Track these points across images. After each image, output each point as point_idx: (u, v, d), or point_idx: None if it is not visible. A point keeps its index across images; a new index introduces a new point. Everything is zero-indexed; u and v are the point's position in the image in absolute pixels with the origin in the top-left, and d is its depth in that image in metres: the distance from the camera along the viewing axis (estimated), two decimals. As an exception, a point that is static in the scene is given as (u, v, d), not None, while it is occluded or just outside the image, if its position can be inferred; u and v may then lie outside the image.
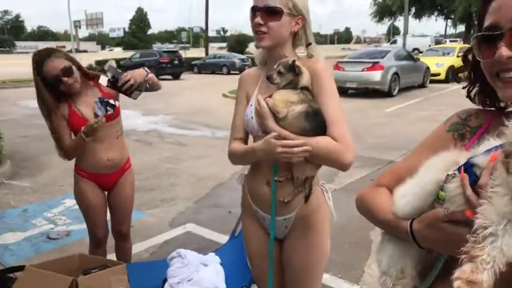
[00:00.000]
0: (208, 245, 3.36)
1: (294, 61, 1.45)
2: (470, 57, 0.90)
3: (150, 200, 4.62)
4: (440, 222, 0.78)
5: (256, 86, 1.63)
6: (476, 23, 0.87)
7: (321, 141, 1.41)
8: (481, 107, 0.95)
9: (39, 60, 2.28)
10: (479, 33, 0.81)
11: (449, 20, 41.12)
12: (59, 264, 2.28)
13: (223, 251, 2.69)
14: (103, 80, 2.44)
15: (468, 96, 0.95)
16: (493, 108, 0.93)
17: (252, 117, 1.56)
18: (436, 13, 39.29)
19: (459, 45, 19.51)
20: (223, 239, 3.39)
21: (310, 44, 1.60)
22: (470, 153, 0.79)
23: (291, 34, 1.55)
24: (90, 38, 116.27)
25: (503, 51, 0.75)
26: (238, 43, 41.90)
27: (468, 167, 0.75)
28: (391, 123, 8.83)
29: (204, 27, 37.50)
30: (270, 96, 1.48)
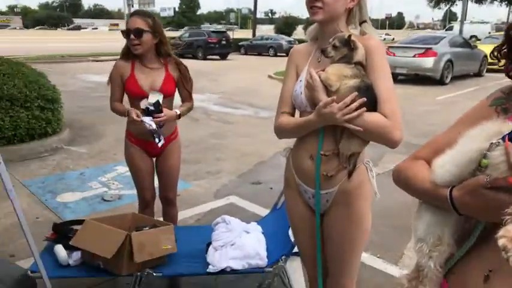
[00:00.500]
0: (250, 217, 3.49)
1: (349, 36, 1.47)
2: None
3: (196, 172, 4.82)
4: (482, 189, 0.79)
5: (307, 62, 1.65)
6: None
7: (371, 116, 1.44)
8: None
9: (132, 13, 2.49)
10: None
11: (512, 6, 38.26)
12: (114, 220, 2.47)
13: (265, 222, 2.79)
14: (143, 102, 2.48)
15: (506, 73, 0.95)
16: None
17: (301, 93, 1.58)
18: (499, -1, 36.67)
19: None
20: (263, 212, 3.51)
21: (364, 21, 1.61)
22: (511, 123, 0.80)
23: (346, 10, 1.56)
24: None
25: None
26: (286, 25, 41.47)
27: None
28: (441, 112, 8.51)
29: (252, 9, 37.32)
30: (323, 70, 1.50)
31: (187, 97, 2.70)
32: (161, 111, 2.44)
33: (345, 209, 1.61)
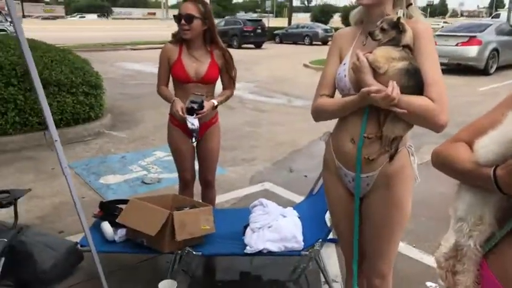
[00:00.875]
0: (285, 203, 3.52)
1: (399, 18, 1.46)
2: None
3: (232, 159, 4.91)
4: None
5: (351, 45, 1.65)
6: None
7: (418, 100, 1.43)
8: None
9: None
10: None
11: None
12: (157, 200, 2.59)
13: (301, 207, 2.83)
14: (187, 101, 2.55)
15: None
16: None
17: (345, 76, 1.58)
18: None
19: None
20: (297, 198, 3.55)
21: (411, 4, 1.60)
22: None
23: None
24: (178, 6, 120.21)
25: None
26: (322, 13, 40.72)
27: None
28: (484, 103, 8.17)
29: (288, -4, 36.89)
30: (370, 53, 1.50)
31: (229, 85, 2.75)
32: (203, 108, 2.52)
33: (386, 192, 1.61)
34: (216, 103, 2.66)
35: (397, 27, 1.46)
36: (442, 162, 1.06)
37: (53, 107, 5.27)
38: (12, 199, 2.47)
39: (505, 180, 0.86)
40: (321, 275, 2.61)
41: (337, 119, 1.70)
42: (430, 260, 2.83)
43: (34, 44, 5.91)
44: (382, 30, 1.48)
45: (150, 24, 62.16)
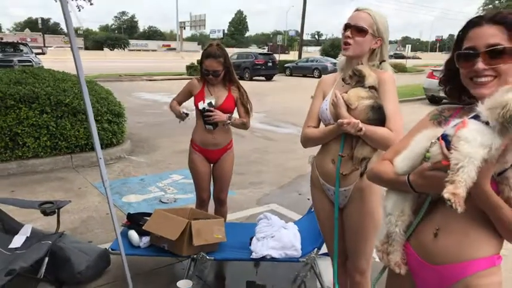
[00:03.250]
0: (289, 221, 3.93)
1: (357, 69, 1.94)
2: (446, 67, 1.35)
3: (240, 182, 5.33)
4: (427, 171, 1.22)
5: (332, 87, 2.11)
6: (454, 44, 1.30)
7: (380, 129, 1.87)
8: (451, 103, 1.40)
9: (208, 53, 3.02)
10: (462, 51, 1.24)
11: None
12: (177, 212, 3.03)
13: (301, 222, 3.24)
14: (200, 104, 3.11)
15: (444, 92, 1.39)
16: (459, 105, 1.36)
17: (327, 109, 2.04)
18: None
19: None
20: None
21: (384, 61, 2.06)
22: (443, 129, 1.23)
23: (370, 50, 2.02)
24: (192, 39, 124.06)
25: (480, 65, 1.19)
26: (332, 47, 41.84)
27: (444, 137, 1.19)
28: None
29: (299, 31, 38.19)
30: (346, 92, 1.97)
31: (245, 115, 3.24)
32: (212, 106, 3.06)
33: (360, 203, 2.03)
34: (231, 116, 3.14)
35: (359, 74, 1.93)
36: (375, 176, 1.48)
37: (81, 133, 5.83)
38: (56, 208, 2.92)
39: (415, 183, 1.27)
40: (317, 282, 2.97)
41: (321, 145, 2.13)
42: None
43: (64, 76, 6.56)
44: (350, 77, 1.96)
45: (166, 56, 64.16)
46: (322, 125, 2.14)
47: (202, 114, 3.07)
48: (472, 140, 1.09)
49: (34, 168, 5.53)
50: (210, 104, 3.07)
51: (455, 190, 1.08)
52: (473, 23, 1.24)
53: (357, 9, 2.01)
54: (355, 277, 2.17)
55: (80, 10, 10.75)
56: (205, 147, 3.20)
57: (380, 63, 2.05)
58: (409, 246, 1.36)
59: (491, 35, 1.19)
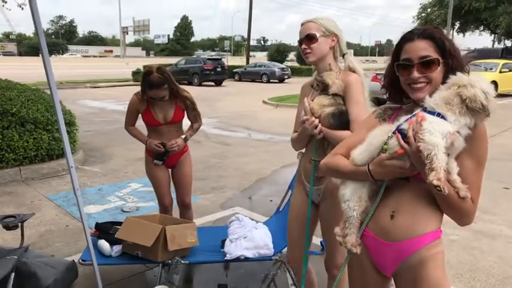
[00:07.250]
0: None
1: (321, 76, 2.08)
2: (387, 75, 1.56)
3: (202, 187, 5.36)
4: (385, 160, 1.41)
5: (311, 92, 2.24)
6: (392, 55, 1.51)
7: (340, 133, 1.99)
8: (392, 103, 1.61)
9: (151, 83, 3.00)
10: (401, 63, 1.45)
11: (495, 35, 40.08)
12: (147, 218, 3.01)
13: (270, 222, 3.34)
14: (157, 161, 3.23)
15: (387, 96, 1.60)
16: (398, 105, 1.59)
17: (303, 115, 2.18)
18: (481, 27, 38.53)
19: (502, 60, 19.18)
20: (265, 219, 4.04)
21: (345, 54, 2.20)
22: (395, 124, 1.42)
23: (331, 49, 2.15)
24: (135, 44, 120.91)
25: (415, 74, 1.41)
26: (278, 52, 42.70)
27: (400, 130, 1.38)
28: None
29: (245, 36, 38.60)
30: (312, 100, 2.10)
31: (195, 119, 3.32)
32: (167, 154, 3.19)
33: (331, 201, 2.13)
34: (184, 137, 3.23)
35: (321, 83, 2.07)
36: (330, 169, 1.64)
37: (30, 144, 5.54)
38: (19, 222, 2.79)
39: (375, 172, 1.44)
40: (288, 278, 3.08)
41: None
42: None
43: (9, 84, 6.21)
44: (317, 85, 2.10)
45: (108, 62, 61.95)
46: None
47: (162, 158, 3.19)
48: (434, 131, 1.28)
49: (-21, 182, 5.18)
50: (160, 159, 3.20)
51: (439, 175, 1.25)
52: (406, 39, 1.45)
53: (302, 24, 2.17)
54: (333, 272, 2.30)
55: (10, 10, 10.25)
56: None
57: (343, 56, 2.19)
58: (368, 229, 1.54)
59: (422, 49, 1.40)
